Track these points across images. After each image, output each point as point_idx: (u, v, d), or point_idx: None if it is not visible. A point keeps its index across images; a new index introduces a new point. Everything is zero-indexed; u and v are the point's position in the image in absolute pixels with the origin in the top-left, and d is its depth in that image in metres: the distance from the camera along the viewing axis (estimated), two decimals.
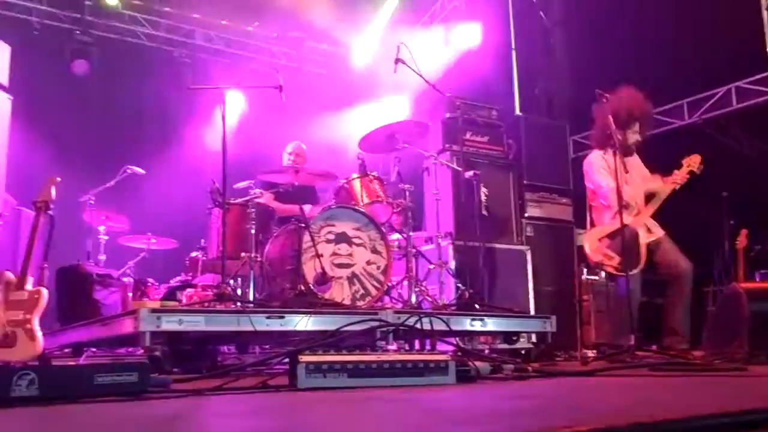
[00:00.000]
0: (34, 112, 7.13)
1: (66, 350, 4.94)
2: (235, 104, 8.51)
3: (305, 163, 5.89)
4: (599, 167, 5.05)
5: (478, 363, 2.91)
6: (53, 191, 4.05)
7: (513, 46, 8.35)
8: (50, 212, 4.02)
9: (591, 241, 4.96)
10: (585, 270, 6.68)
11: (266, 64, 9.48)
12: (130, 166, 6.55)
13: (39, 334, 3.63)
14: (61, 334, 4.75)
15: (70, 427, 1.71)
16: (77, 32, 8.28)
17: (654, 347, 4.76)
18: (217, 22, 9.34)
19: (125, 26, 8.70)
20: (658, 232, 4.93)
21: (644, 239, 4.84)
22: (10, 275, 3.81)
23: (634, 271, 4.77)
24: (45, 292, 3.75)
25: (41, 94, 7.63)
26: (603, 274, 6.42)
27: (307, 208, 5.14)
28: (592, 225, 5.18)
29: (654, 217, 4.96)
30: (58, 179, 4.12)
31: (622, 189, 4.53)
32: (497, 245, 6.01)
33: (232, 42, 9.49)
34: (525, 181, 6.50)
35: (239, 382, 2.71)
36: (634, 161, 5.21)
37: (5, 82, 4.53)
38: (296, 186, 5.11)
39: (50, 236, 4.08)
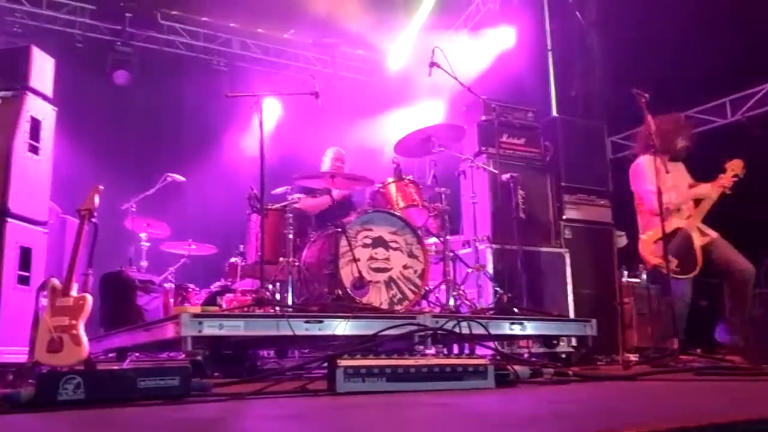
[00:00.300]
0: (77, 123, 7.32)
1: (110, 355, 5.04)
2: (272, 111, 8.61)
3: (344, 169, 5.90)
4: (647, 172, 4.95)
5: (517, 367, 2.89)
6: (96, 199, 4.14)
7: (549, 47, 8.27)
8: (94, 220, 4.12)
9: (647, 245, 4.90)
10: (625, 272, 6.58)
11: (302, 71, 9.57)
12: (171, 174, 6.67)
13: (84, 339, 3.72)
14: (105, 339, 4.86)
15: (115, 431, 1.74)
16: (118, 43, 8.47)
17: (698, 351, 4.67)
18: (254, 30, 9.45)
19: (164, 36, 8.86)
20: (712, 234, 4.88)
21: (699, 242, 4.80)
22: (55, 282, 3.91)
23: (692, 274, 4.73)
24: (90, 298, 3.84)
25: (84, 105, 7.83)
26: (644, 276, 6.33)
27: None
28: (642, 229, 5.10)
29: (703, 220, 4.92)
30: (101, 188, 4.22)
31: (667, 193, 4.50)
32: (535, 248, 5.95)
33: (269, 49, 9.59)
34: (563, 183, 6.43)
35: (279, 386, 2.74)
36: (681, 166, 5.17)
37: (49, 93, 4.65)
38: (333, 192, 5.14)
39: (94, 243, 4.17)
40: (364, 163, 6.74)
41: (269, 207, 5.07)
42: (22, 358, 3.93)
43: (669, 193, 4.71)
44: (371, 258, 4.63)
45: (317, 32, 9.60)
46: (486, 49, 8.59)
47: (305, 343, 4.97)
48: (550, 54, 8.21)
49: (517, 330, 4.28)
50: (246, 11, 9.04)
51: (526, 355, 4.90)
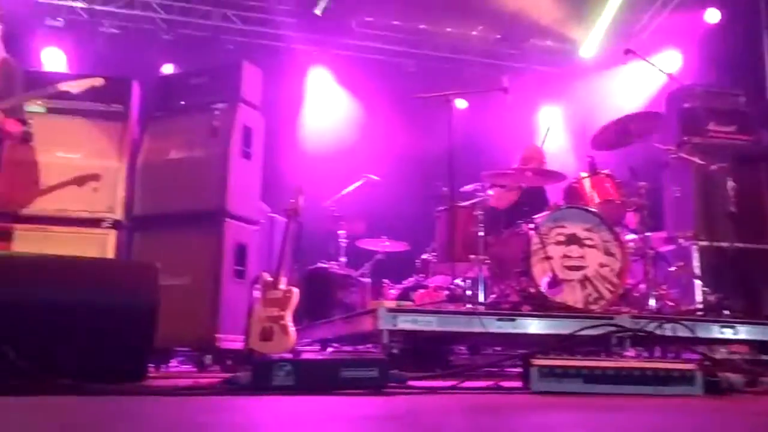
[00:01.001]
0: (280, 129, 7.92)
1: (314, 345, 5.39)
2: (461, 108, 8.67)
3: (542, 165, 5.72)
4: None
5: (729, 374, 2.67)
6: (301, 200, 4.46)
7: (764, 24, 7.49)
8: (298, 218, 4.44)
9: None
10: None
11: (491, 67, 9.53)
12: (367, 174, 6.97)
13: (292, 329, 4.03)
14: (309, 330, 5.21)
15: (323, 415, 1.87)
16: (316, 51, 8.99)
17: None
18: (443, 30, 9.56)
19: (358, 42, 9.25)
20: None
21: None
22: (266, 276, 4.27)
23: None
24: (296, 291, 4.15)
25: (287, 111, 8.44)
26: None
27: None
28: None
29: None
30: (305, 188, 4.53)
31: None
32: (749, 245, 5.42)
33: (457, 47, 9.66)
34: None
35: (472, 383, 2.76)
36: None
37: (258, 103, 5.07)
38: (523, 188, 5.07)
39: (299, 240, 4.50)
40: (557, 158, 6.56)
41: (459, 204, 5.12)
42: (239, 344, 4.34)
43: None
44: (565, 256, 4.50)
45: (505, 26, 9.49)
46: (689, 29, 7.98)
47: (498, 340, 4.96)
48: (765, 33, 7.43)
49: (728, 334, 3.95)
50: (434, 12, 9.18)
51: (740, 362, 4.50)
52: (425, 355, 4.43)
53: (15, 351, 2.27)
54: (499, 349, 5.54)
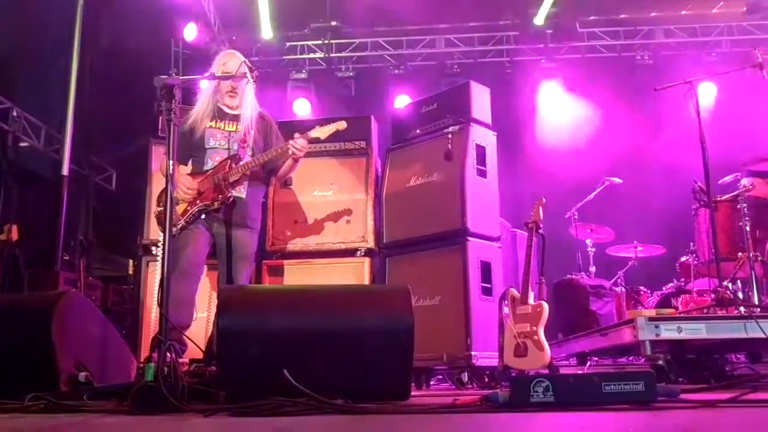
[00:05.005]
0: (515, 144, 7.92)
1: (570, 360, 5.24)
2: (707, 95, 7.96)
3: None
4: None
5: None
6: (541, 212, 4.40)
7: None
8: (541, 231, 4.38)
9: None
10: None
11: (738, 44, 8.63)
12: (609, 177, 6.67)
13: (545, 344, 3.97)
14: (564, 344, 5.08)
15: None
16: (542, 60, 8.85)
17: None
18: (677, 14, 8.88)
19: (585, 43, 8.93)
20: None
21: None
22: (514, 291, 4.26)
23: None
24: (545, 305, 4.09)
25: (519, 127, 8.40)
26: None
27: None
28: None
29: None
30: (544, 200, 4.46)
31: None
32: None
33: (696, 30, 8.89)
34: None
35: (756, 395, 2.48)
36: None
37: (489, 121, 5.10)
38: None
39: (543, 253, 4.43)
40: None
41: (718, 199, 4.68)
42: (494, 361, 4.36)
43: None
44: None
45: None
46: None
47: None
48: None
49: None
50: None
51: None
52: (695, 365, 4.08)
53: (292, 374, 2.50)
54: None
